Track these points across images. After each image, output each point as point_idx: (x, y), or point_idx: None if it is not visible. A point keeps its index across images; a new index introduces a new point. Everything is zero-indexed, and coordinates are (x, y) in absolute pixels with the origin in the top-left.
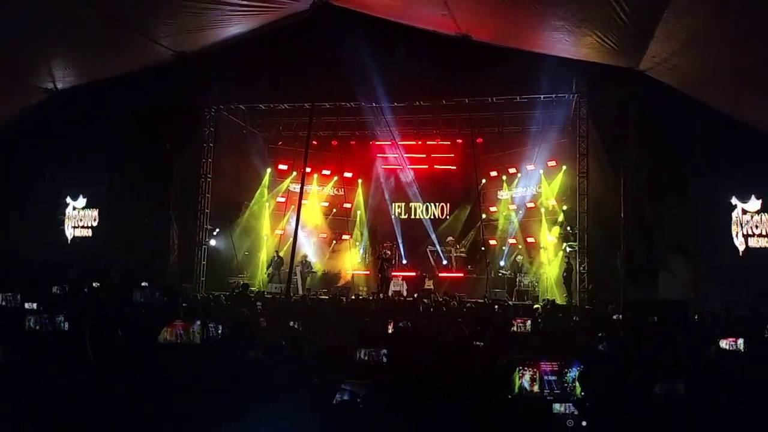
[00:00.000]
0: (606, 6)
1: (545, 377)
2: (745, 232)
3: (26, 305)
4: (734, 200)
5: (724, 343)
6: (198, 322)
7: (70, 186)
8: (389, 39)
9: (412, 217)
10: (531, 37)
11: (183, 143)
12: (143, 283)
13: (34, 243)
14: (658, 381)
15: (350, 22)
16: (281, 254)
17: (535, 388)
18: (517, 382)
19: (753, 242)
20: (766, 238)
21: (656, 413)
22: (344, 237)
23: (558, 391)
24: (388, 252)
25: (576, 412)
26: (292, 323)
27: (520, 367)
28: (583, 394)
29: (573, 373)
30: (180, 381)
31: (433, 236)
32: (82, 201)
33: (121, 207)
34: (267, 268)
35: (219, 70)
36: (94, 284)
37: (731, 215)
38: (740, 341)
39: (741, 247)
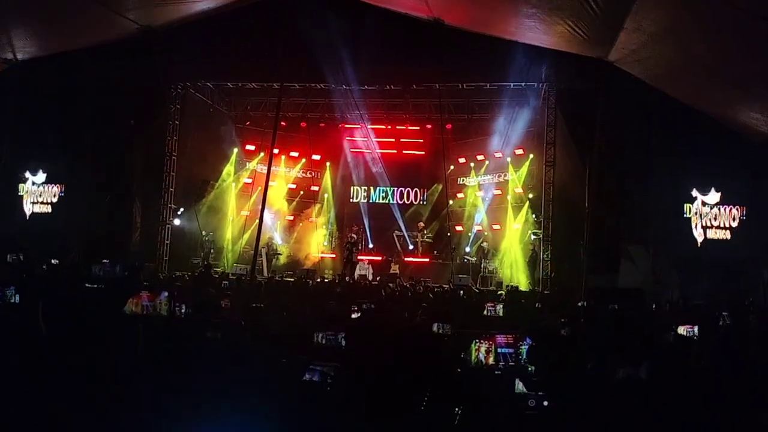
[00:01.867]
0: None
1: (500, 350)
2: (704, 224)
3: None
4: (695, 192)
5: (681, 329)
6: (165, 293)
7: (29, 160)
8: (361, 21)
9: (376, 201)
10: (503, 24)
11: (147, 120)
12: (103, 260)
13: None
14: (619, 365)
15: (322, 2)
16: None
17: (491, 360)
18: (474, 355)
19: (711, 234)
20: (723, 230)
21: (617, 395)
22: (311, 220)
23: (512, 364)
24: (354, 236)
25: (532, 390)
26: (255, 305)
27: (477, 340)
28: (534, 368)
29: (526, 347)
30: (143, 355)
31: (400, 221)
32: (41, 176)
33: (82, 183)
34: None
35: (186, 46)
36: (52, 261)
37: (691, 207)
38: (696, 328)
39: (699, 239)
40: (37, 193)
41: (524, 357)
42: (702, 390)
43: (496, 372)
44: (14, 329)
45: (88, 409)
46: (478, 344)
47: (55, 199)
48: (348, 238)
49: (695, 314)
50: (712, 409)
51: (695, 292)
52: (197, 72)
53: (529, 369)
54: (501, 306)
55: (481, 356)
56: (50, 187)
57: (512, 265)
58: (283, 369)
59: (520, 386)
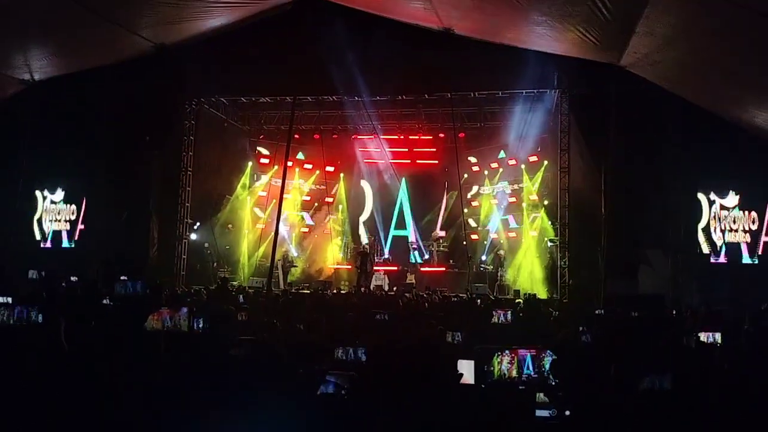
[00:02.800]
0: (588, 2)
1: (523, 363)
2: (722, 228)
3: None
4: (713, 196)
5: (702, 336)
6: (185, 309)
7: (47, 179)
8: (372, 32)
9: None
10: (513, 32)
11: (163, 136)
12: (122, 277)
13: (8, 236)
14: (642, 375)
15: (332, 15)
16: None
17: (513, 373)
18: (497, 367)
19: (730, 237)
20: (743, 233)
21: (641, 406)
22: (326, 232)
23: (535, 377)
24: (367, 246)
25: (555, 402)
26: (272, 318)
27: (499, 353)
28: (557, 381)
29: (549, 360)
30: (165, 372)
31: (416, 230)
32: (60, 194)
33: (99, 201)
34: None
35: (200, 63)
36: (72, 278)
37: (710, 211)
38: (718, 335)
39: (719, 242)
40: (56, 212)
41: (547, 369)
42: (727, 399)
43: (521, 387)
44: (38, 348)
45: (110, 427)
46: (500, 357)
47: (73, 217)
48: (362, 248)
49: (717, 321)
50: (737, 419)
51: (715, 298)
52: (211, 87)
53: (553, 381)
54: (510, 313)
55: (504, 369)
56: (68, 206)
57: (530, 273)
58: (300, 381)
59: (542, 397)
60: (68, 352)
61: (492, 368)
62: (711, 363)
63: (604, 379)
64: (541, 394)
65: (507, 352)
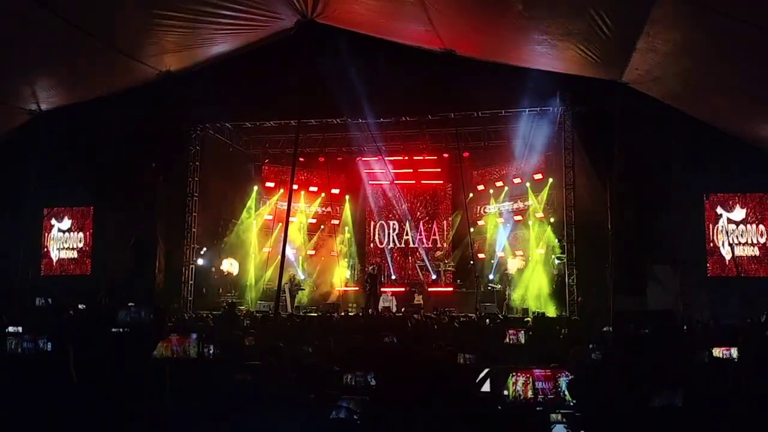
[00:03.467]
0: (588, 19)
1: (538, 384)
2: (731, 241)
3: (9, 329)
4: (720, 210)
5: (717, 352)
6: (194, 336)
7: (54, 207)
8: (374, 55)
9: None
10: (514, 51)
11: (169, 162)
12: (129, 304)
13: (17, 265)
14: (654, 393)
15: (335, 39)
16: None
17: (529, 394)
18: (511, 388)
19: (739, 251)
20: (751, 247)
21: (654, 424)
22: (332, 254)
23: (551, 397)
24: (375, 267)
25: (569, 421)
26: (279, 341)
27: (513, 374)
28: (574, 401)
29: (565, 380)
30: (174, 399)
31: (422, 251)
32: (67, 223)
33: (106, 228)
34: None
35: (204, 89)
36: (79, 306)
37: (717, 225)
38: (733, 350)
39: (727, 257)
40: (63, 240)
41: (563, 389)
42: (742, 418)
43: (538, 408)
44: (47, 378)
45: None
46: (515, 378)
47: (80, 245)
48: (368, 270)
49: (729, 334)
50: None
51: (726, 312)
52: (216, 113)
53: (570, 401)
54: (523, 333)
55: (519, 390)
56: (75, 234)
57: (538, 291)
58: (312, 406)
59: (554, 416)
60: (77, 382)
61: (507, 389)
62: (724, 380)
63: (618, 398)
64: (553, 415)
65: (521, 372)
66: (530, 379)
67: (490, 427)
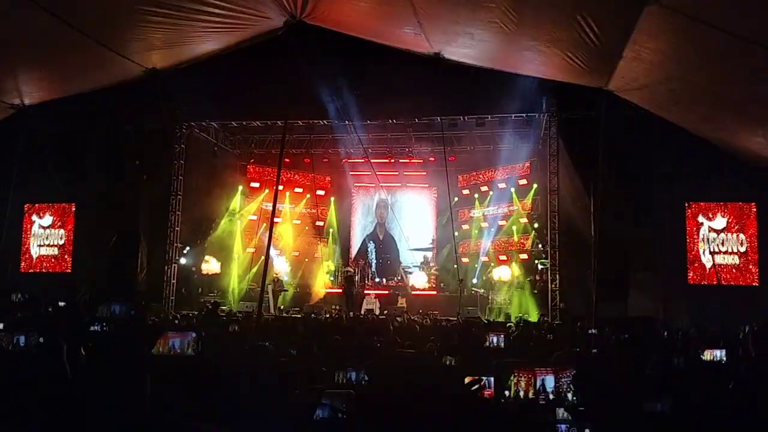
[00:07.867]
0: (575, 27)
1: (540, 382)
2: (711, 249)
3: None
4: (701, 218)
5: (707, 354)
6: (193, 333)
7: (35, 203)
8: (362, 57)
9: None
10: (502, 57)
11: (153, 160)
12: (109, 300)
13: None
14: (642, 397)
15: (323, 40)
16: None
17: (530, 393)
18: (513, 389)
19: (719, 259)
20: (732, 255)
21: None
22: (316, 255)
23: (553, 397)
24: (351, 270)
25: (572, 419)
26: (264, 341)
27: (516, 373)
28: (575, 399)
29: (567, 378)
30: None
31: (407, 254)
32: (48, 219)
33: (88, 225)
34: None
35: (190, 87)
36: (60, 303)
37: (699, 233)
38: (722, 351)
39: (708, 265)
40: (44, 236)
41: (565, 388)
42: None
43: (541, 404)
44: (42, 373)
45: None
46: (516, 377)
47: (61, 242)
48: (345, 272)
49: (713, 337)
50: None
51: (706, 319)
52: (201, 112)
53: (572, 400)
54: (503, 337)
55: (521, 390)
56: (56, 230)
57: (521, 296)
58: (296, 404)
59: (559, 413)
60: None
61: (509, 389)
62: (713, 385)
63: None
64: (562, 414)
65: (523, 371)
66: (532, 379)
67: (490, 427)
